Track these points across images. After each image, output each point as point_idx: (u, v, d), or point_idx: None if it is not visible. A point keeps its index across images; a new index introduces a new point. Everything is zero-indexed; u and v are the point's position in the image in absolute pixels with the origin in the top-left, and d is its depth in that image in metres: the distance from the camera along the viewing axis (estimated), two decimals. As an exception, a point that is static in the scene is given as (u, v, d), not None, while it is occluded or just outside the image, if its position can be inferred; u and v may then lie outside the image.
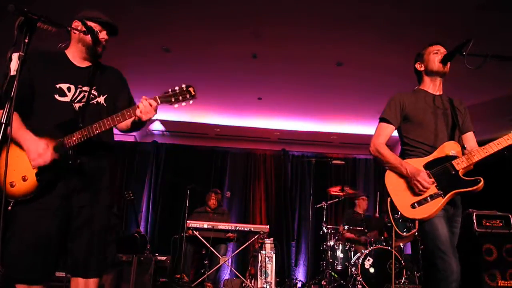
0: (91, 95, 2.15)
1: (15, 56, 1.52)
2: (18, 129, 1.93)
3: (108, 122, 2.01)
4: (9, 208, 1.89)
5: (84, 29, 2.04)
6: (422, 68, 2.59)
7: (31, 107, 2.04)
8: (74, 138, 1.98)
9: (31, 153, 1.92)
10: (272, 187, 8.49)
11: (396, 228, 2.40)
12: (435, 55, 2.52)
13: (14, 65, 1.51)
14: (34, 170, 1.93)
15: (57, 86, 2.07)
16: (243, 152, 8.71)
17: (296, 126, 8.17)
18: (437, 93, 2.56)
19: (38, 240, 1.92)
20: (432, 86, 2.57)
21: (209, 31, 5.04)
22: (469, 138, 2.53)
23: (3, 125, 1.47)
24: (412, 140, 2.48)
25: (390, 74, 5.64)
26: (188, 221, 5.14)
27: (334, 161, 6.24)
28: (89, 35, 2.07)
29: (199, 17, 4.77)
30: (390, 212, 2.37)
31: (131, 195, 5.80)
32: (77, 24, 2.08)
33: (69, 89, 2.09)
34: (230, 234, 5.54)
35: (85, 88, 2.13)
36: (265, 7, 4.53)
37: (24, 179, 1.93)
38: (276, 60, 5.69)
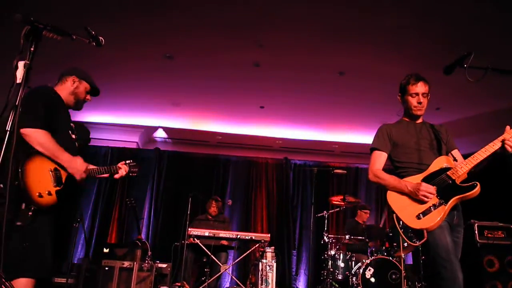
0: (74, 137, 2.59)
1: (21, 64, 1.54)
2: (63, 152, 2.33)
3: (102, 170, 2.63)
4: (30, 213, 2.12)
5: (89, 38, 2.08)
6: (402, 103, 2.74)
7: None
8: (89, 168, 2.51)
9: (76, 171, 2.39)
10: (273, 196, 8.46)
11: (404, 237, 2.42)
12: (413, 99, 2.64)
13: (20, 73, 1.53)
14: (56, 188, 2.27)
15: (71, 124, 2.55)
16: (245, 160, 8.71)
17: (298, 135, 8.18)
18: (418, 121, 2.71)
19: (49, 243, 2.24)
20: (413, 118, 2.72)
21: (211, 39, 5.08)
22: (456, 155, 2.66)
23: (8, 132, 1.49)
24: (403, 162, 2.62)
25: (392, 83, 5.61)
26: (189, 229, 5.13)
27: (336, 170, 6.24)
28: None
29: (201, 25, 4.82)
30: (396, 223, 2.41)
31: (132, 202, 5.80)
32: (73, 79, 2.55)
33: (74, 129, 2.58)
34: (224, 242, 5.51)
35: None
36: (268, 16, 4.57)
37: (49, 193, 2.23)
38: (278, 68, 5.72)
